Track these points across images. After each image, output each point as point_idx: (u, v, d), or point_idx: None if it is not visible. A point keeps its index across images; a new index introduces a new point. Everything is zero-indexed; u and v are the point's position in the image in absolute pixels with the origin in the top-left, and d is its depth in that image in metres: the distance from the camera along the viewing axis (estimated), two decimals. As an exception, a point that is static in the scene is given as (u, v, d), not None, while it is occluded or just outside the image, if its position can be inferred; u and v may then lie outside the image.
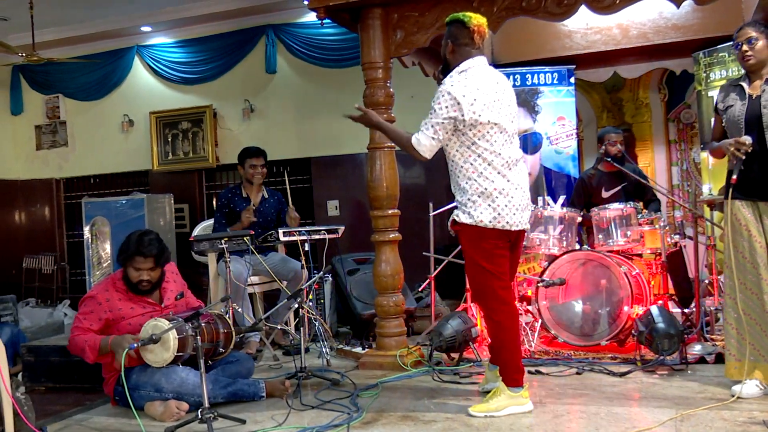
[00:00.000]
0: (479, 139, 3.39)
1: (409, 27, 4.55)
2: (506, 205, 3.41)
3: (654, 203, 5.44)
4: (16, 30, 8.13)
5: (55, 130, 9.09)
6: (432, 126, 3.40)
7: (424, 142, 3.42)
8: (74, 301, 8.46)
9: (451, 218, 3.57)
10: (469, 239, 3.47)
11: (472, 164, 3.43)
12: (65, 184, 9.20)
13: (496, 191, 3.40)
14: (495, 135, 3.41)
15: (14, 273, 9.01)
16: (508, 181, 3.43)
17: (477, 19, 3.51)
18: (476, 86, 3.40)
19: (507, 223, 3.42)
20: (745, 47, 3.51)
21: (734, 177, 3.49)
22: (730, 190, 3.52)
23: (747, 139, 3.43)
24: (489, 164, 3.41)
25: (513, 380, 3.45)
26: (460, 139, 3.42)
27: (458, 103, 3.36)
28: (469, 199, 3.43)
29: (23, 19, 7.40)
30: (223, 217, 5.52)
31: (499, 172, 3.41)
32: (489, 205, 3.40)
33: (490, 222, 3.40)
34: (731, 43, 3.63)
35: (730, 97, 3.61)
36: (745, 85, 3.55)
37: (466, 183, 3.44)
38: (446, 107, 3.37)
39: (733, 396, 3.47)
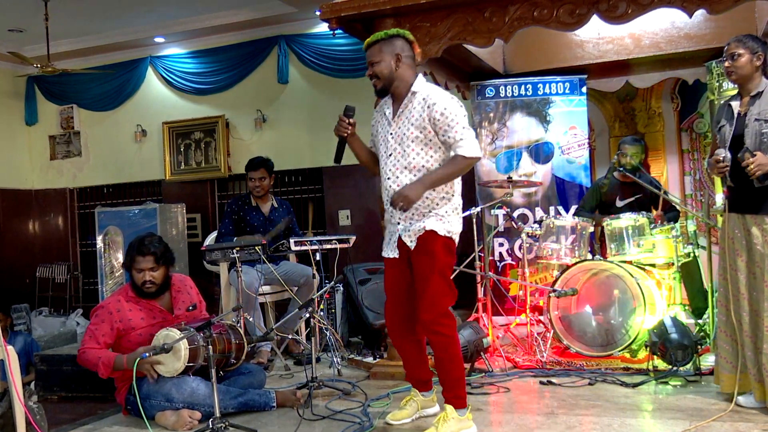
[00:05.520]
0: None
1: (421, 37, 4.54)
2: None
3: (672, 212, 5.39)
4: (32, 41, 8.23)
5: (70, 140, 9.17)
6: (465, 128, 3.26)
7: (474, 145, 3.28)
8: (87, 311, 8.53)
9: (420, 227, 3.30)
10: (442, 250, 3.31)
11: None
12: (79, 193, 9.27)
13: (460, 208, 3.42)
14: None
15: (28, 282, 9.09)
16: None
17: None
18: None
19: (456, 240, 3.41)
20: (727, 62, 3.53)
21: (724, 189, 3.55)
22: (726, 203, 3.55)
23: (720, 153, 3.43)
24: (458, 181, 3.41)
25: (461, 401, 3.29)
26: (447, 153, 3.33)
27: (465, 116, 3.34)
28: (446, 212, 3.34)
29: (38, 31, 7.49)
30: (231, 224, 5.54)
31: (460, 191, 3.43)
32: (458, 220, 3.39)
33: (456, 236, 3.37)
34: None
35: (723, 117, 3.61)
36: (734, 104, 3.56)
37: (444, 195, 3.34)
38: (464, 116, 3.31)
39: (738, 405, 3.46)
